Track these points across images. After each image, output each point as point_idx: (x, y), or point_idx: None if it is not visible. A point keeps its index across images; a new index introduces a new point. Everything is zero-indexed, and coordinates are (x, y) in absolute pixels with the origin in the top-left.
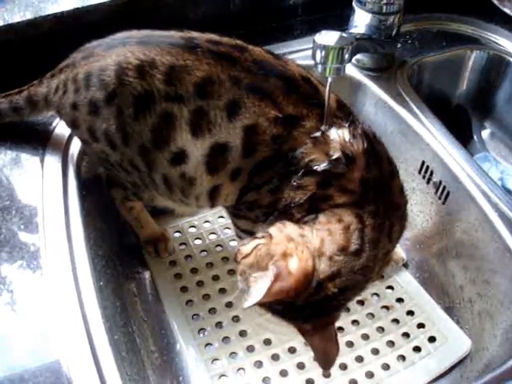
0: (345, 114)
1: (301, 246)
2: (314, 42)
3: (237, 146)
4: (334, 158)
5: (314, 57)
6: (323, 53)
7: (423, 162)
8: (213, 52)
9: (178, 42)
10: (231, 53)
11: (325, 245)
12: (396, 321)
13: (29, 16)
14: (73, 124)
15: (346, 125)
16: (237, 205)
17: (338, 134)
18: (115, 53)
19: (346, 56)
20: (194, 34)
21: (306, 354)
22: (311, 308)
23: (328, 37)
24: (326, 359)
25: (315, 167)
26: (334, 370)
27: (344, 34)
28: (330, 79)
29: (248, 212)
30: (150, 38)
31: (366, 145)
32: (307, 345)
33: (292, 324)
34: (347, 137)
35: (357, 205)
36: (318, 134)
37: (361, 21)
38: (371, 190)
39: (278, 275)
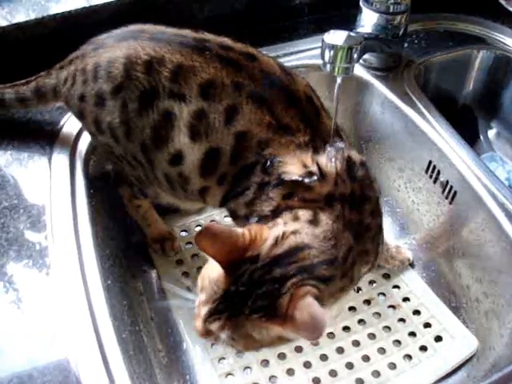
0: (339, 136)
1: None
2: (322, 41)
3: (227, 151)
4: (308, 170)
5: (322, 56)
6: (332, 52)
7: (430, 162)
8: (221, 57)
9: (189, 43)
10: (240, 60)
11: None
12: (402, 320)
13: (36, 15)
14: (80, 115)
15: (333, 149)
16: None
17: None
18: (126, 46)
19: (355, 55)
20: (208, 36)
21: (313, 353)
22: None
23: (336, 36)
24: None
25: (286, 178)
26: (341, 369)
27: (352, 34)
28: (338, 79)
29: (232, 219)
30: (162, 34)
31: (342, 168)
32: (313, 344)
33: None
34: (328, 159)
35: (318, 206)
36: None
37: (368, 20)
38: (337, 201)
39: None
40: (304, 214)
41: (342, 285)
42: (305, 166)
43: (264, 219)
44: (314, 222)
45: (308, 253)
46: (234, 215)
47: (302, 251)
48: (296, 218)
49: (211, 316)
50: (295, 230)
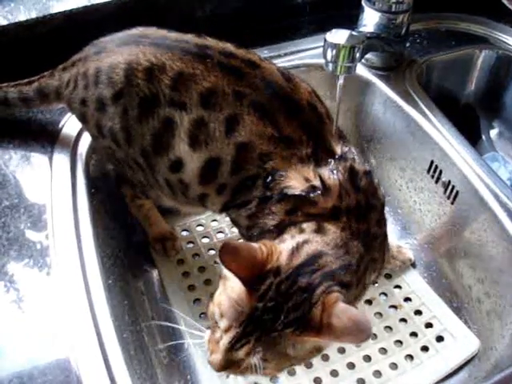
0: (341, 145)
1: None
2: (324, 40)
3: (227, 162)
4: (311, 184)
5: (324, 55)
6: (334, 51)
7: (432, 162)
8: (222, 65)
9: (190, 50)
10: (241, 68)
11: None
12: (404, 320)
13: (37, 14)
14: (82, 119)
15: (335, 160)
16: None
17: (328, 170)
18: (127, 51)
19: (357, 55)
20: (210, 42)
21: None
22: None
23: (339, 35)
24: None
25: (289, 192)
26: (342, 369)
27: (354, 33)
28: (341, 78)
29: (234, 225)
30: (164, 40)
31: (345, 180)
32: None
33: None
34: (330, 172)
35: (323, 219)
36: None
37: (370, 19)
38: (343, 214)
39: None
40: (309, 226)
41: (357, 293)
42: (307, 180)
43: (267, 233)
44: (319, 231)
45: (326, 259)
46: (235, 223)
47: (321, 258)
48: (301, 231)
49: (238, 341)
50: (305, 240)
